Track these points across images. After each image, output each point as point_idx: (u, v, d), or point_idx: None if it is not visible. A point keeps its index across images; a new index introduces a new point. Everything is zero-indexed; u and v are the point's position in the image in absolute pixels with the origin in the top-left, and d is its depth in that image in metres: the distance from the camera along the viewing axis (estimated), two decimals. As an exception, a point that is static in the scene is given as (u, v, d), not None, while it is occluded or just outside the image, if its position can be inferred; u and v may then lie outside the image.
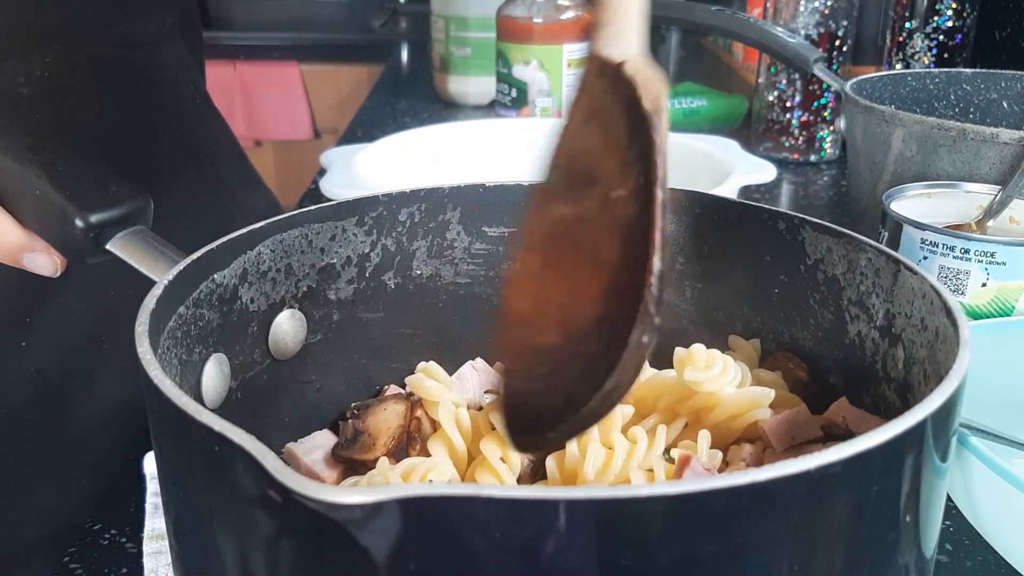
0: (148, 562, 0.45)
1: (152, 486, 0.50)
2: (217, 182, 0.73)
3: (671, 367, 0.41)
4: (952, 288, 0.54)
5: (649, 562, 0.22)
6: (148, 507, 0.49)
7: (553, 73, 1.11)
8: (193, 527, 0.28)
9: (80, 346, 0.59)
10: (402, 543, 0.21)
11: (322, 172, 0.78)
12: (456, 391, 0.43)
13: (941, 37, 1.05)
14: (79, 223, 0.38)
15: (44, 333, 0.57)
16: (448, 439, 0.40)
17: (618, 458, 0.36)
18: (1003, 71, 0.83)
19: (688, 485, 0.21)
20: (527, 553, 0.21)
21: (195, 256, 0.35)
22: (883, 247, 0.36)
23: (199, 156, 0.71)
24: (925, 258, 0.55)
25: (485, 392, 0.44)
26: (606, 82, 0.30)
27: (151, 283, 0.33)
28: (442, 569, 0.22)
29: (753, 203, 0.41)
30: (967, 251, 0.53)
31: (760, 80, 1.11)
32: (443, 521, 0.21)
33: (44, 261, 0.42)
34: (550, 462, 0.38)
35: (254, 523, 0.24)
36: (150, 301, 0.31)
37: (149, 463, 0.51)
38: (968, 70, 0.84)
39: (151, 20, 0.65)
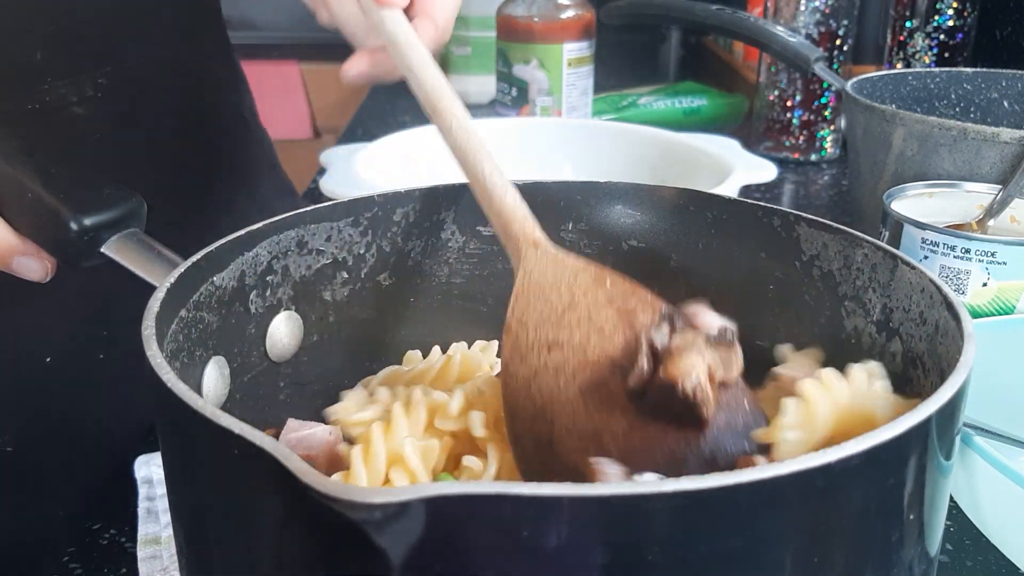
0: (143, 567, 0.45)
1: (144, 490, 0.50)
2: (254, 195, 0.75)
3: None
4: (953, 288, 0.54)
5: (676, 557, 0.22)
6: (140, 511, 0.48)
7: (553, 72, 1.11)
8: (205, 531, 0.27)
9: (74, 345, 0.59)
10: (424, 544, 0.21)
11: (322, 171, 0.78)
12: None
13: (942, 36, 1.04)
14: (73, 226, 0.38)
15: (35, 334, 0.57)
16: None
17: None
18: (1004, 70, 0.83)
19: (712, 480, 0.21)
20: (554, 551, 0.21)
21: (194, 259, 0.35)
22: (879, 242, 0.36)
23: (240, 172, 0.73)
24: (926, 258, 0.55)
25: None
26: None
27: (143, 287, 0.33)
28: (464, 570, 0.21)
29: (747, 200, 0.41)
30: (968, 251, 0.53)
31: (761, 79, 1.11)
32: (469, 521, 0.21)
33: (34, 265, 0.41)
34: None
35: (275, 525, 0.23)
36: (154, 304, 0.31)
37: (140, 467, 0.51)
38: (969, 69, 0.84)
39: (205, 39, 0.66)
